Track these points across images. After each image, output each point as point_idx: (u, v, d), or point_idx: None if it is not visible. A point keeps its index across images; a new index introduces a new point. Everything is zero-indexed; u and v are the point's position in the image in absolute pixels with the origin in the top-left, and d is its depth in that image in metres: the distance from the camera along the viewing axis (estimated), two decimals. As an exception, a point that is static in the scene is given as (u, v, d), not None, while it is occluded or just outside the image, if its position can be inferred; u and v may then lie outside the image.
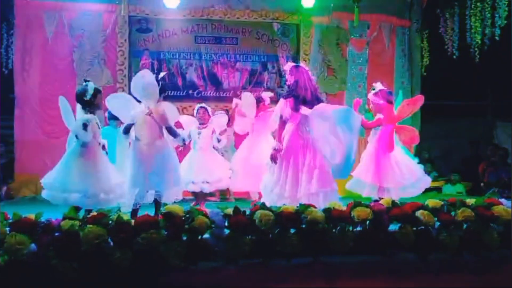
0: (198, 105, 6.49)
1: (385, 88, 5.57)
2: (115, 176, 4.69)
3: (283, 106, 4.68)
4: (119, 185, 4.66)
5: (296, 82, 4.72)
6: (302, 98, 4.66)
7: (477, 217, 3.88)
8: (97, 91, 4.70)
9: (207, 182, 5.95)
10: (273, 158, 4.64)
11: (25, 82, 7.77)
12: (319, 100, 4.77)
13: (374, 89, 5.57)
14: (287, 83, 4.92)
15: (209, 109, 6.46)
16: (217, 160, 6.28)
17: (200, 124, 6.29)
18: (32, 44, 7.82)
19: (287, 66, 4.94)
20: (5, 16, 7.75)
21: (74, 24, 7.90)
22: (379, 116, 5.48)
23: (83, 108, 4.66)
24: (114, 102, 5.03)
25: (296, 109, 4.65)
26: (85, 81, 4.81)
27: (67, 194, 4.41)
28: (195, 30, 8.36)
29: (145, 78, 4.80)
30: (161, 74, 4.98)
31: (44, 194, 4.53)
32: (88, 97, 4.62)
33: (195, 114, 6.40)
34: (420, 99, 5.72)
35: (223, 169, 6.18)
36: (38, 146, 7.61)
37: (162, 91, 4.89)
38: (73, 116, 4.68)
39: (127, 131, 4.86)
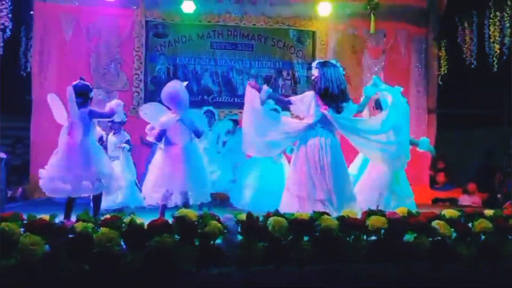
0: (205, 108, 6.58)
1: None
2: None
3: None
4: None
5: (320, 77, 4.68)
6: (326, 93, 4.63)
7: (495, 229, 3.82)
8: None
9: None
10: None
11: (42, 85, 7.84)
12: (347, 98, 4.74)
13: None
14: (313, 77, 4.84)
15: (216, 113, 6.58)
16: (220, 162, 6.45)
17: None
18: (50, 47, 7.90)
19: (315, 62, 4.91)
20: (24, 19, 7.84)
21: (92, 28, 7.98)
22: None
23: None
24: (149, 111, 5.09)
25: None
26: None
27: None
28: (211, 36, 8.39)
29: (176, 87, 4.97)
30: (184, 83, 5.11)
31: None
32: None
33: None
34: None
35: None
36: (54, 148, 7.63)
37: None
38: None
39: (160, 138, 4.96)
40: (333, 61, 4.85)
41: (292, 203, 4.48)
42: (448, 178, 9.18)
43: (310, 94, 4.74)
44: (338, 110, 4.65)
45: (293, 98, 4.92)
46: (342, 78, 4.75)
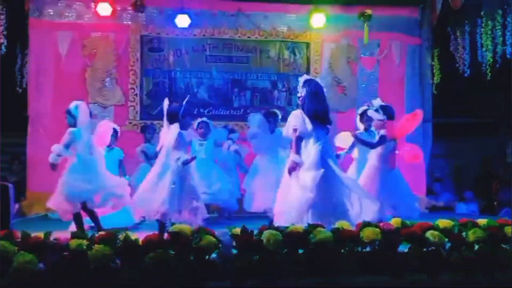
0: (199, 120, 6.61)
1: (386, 104, 5.54)
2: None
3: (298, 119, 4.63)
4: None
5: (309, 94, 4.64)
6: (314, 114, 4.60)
7: (489, 238, 3.83)
8: None
9: (206, 193, 5.99)
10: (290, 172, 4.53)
11: (38, 101, 7.86)
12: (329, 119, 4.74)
13: (373, 106, 5.51)
14: (299, 95, 4.77)
15: (210, 124, 6.62)
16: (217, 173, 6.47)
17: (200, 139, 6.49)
18: (45, 63, 7.91)
19: (301, 78, 4.82)
20: (20, 36, 7.88)
21: (87, 43, 8.01)
22: (382, 133, 5.39)
23: None
24: None
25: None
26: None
27: None
28: (206, 49, 8.43)
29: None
30: (186, 99, 5.10)
31: None
32: None
33: (195, 128, 6.47)
34: (418, 114, 5.62)
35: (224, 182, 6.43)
36: (50, 164, 7.66)
37: (186, 113, 5.01)
38: None
39: None
40: (318, 80, 4.90)
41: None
42: (445, 186, 9.21)
43: (297, 112, 4.67)
44: (326, 131, 4.68)
45: (286, 132, 4.75)
46: (326, 98, 4.77)
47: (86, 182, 5.04)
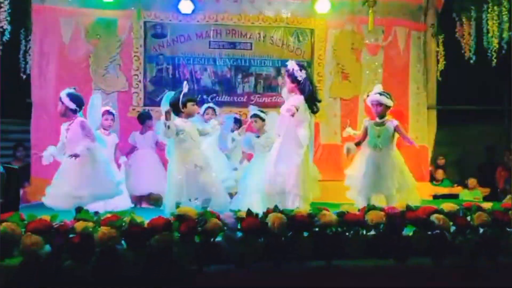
0: (206, 105, 6.59)
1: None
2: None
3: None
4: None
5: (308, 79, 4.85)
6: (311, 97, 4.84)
7: (494, 222, 3.83)
8: None
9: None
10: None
11: (42, 87, 7.85)
12: None
13: (379, 93, 5.50)
14: (299, 79, 4.88)
15: (217, 109, 6.58)
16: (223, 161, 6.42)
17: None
18: (49, 49, 7.89)
19: (292, 64, 4.94)
20: (23, 22, 7.85)
21: (90, 29, 7.98)
22: (396, 123, 5.41)
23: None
24: None
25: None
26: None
27: None
28: (209, 35, 8.39)
29: None
30: (185, 85, 5.08)
31: None
32: None
33: (202, 114, 6.45)
34: None
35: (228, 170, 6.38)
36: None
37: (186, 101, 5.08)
38: None
39: None
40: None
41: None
42: (447, 174, 9.20)
43: (301, 98, 4.82)
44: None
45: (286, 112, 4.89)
46: None
47: (109, 176, 5.08)
